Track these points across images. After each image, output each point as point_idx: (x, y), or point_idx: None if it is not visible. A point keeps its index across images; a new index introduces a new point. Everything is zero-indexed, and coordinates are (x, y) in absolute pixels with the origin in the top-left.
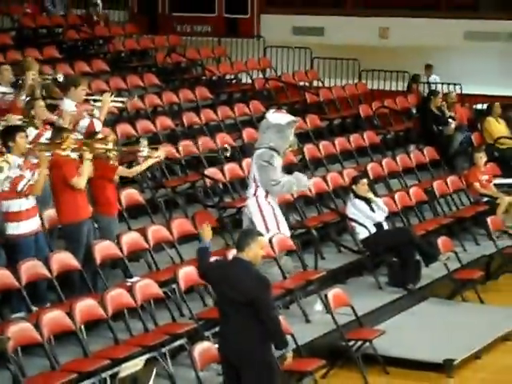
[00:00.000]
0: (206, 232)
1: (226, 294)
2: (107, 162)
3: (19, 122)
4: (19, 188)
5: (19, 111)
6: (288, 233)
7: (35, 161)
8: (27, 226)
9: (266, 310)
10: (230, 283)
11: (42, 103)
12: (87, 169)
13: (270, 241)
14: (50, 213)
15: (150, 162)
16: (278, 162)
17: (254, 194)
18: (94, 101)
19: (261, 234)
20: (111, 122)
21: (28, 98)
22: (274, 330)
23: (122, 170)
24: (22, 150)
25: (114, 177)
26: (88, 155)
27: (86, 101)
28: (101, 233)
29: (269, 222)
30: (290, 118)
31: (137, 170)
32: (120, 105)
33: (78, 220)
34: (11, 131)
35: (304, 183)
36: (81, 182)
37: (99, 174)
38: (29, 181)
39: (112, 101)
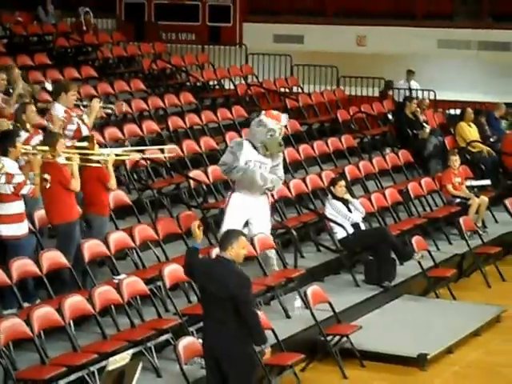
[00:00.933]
0: (198, 233)
1: (208, 289)
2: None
3: (10, 127)
4: (24, 192)
5: (9, 118)
6: (265, 230)
7: (22, 163)
8: (20, 228)
9: (245, 306)
10: (213, 280)
11: (33, 108)
12: (77, 173)
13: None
14: (41, 213)
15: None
16: (247, 151)
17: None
18: (84, 106)
19: (243, 234)
20: (99, 125)
21: (19, 103)
22: (253, 325)
23: (113, 185)
24: (18, 155)
25: (108, 180)
26: (77, 160)
27: (76, 106)
28: (93, 232)
29: (227, 218)
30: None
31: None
32: (109, 111)
33: (72, 220)
34: (10, 136)
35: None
36: (78, 184)
37: (95, 177)
38: (29, 183)
39: (101, 107)
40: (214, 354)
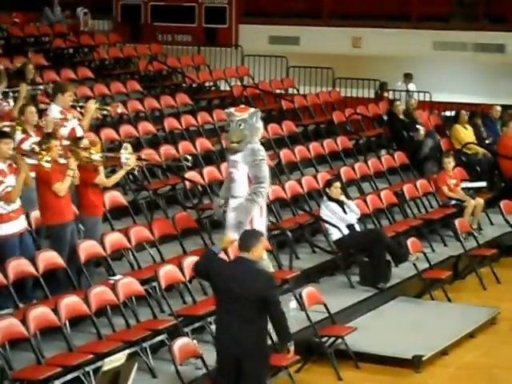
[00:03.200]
0: (225, 243)
1: (234, 291)
2: (90, 167)
3: (7, 129)
4: None
5: (8, 118)
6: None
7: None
8: (9, 227)
9: (275, 306)
10: (240, 282)
11: (32, 109)
12: (70, 177)
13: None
14: (37, 213)
15: (125, 170)
16: None
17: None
18: (81, 107)
19: (263, 234)
20: (95, 126)
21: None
22: (282, 324)
23: (101, 180)
24: (5, 156)
25: (96, 181)
26: (73, 163)
27: (73, 107)
28: (86, 234)
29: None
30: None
31: (114, 179)
32: (105, 112)
33: (63, 222)
34: None
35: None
36: (62, 187)
37: (82, 179)
38: (7, 187)
39: (97, 108)
40: (236, 353)
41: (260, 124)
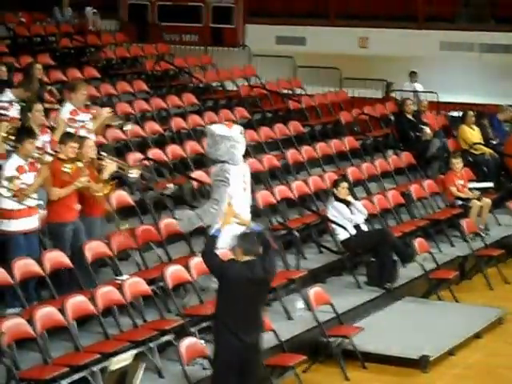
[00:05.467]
0: (229, 212)
1: (252, 294)
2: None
3: (11, 130)
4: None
5: (14, 121)
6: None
7: (39, 166)
8: (18, 224)
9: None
10: (256, 283)
11: (39, 107)
12: (74, 188)
13: None
14: (44, 213)
15: (109, 170)
16: None
17: None
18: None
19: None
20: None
21: (26, 103)
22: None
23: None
24: (27, 154)
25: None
26: (84, 179)
27: (86, 106)
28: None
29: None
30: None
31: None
32: (116, 124)
33: (61, 221)
34: (22, 134)
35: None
36: (59, 194)
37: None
38: (22, 184)
39: (109, 118)
40: (247, 354)
41: (243, 140)
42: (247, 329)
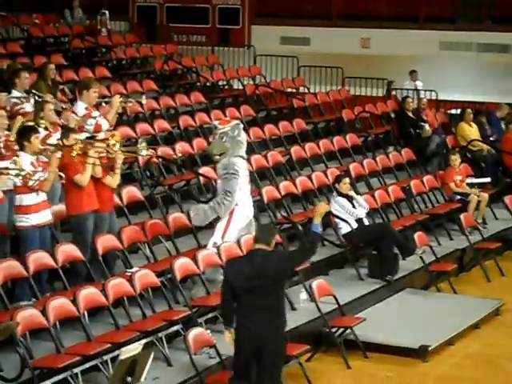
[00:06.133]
0: (319, 212)
1: (256, 285)
2: (108, 163)
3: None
4: (30, 184)
5: (29, 117)
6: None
7: (46, 159)
8: (36, 219)
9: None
10: (257, 271)
11: (51, 106)
12: (90, 167)
13: (219, 249)
14: (56, 207)
15: (120, 159)
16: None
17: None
18: (106, 102)
19: (276, 228)
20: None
21: (39, 100)
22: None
23: (107, 181)
24: (35, 150)
25: (103, 180)
26: (93, 154)
27: (98, 103)
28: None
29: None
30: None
31: (117, 178)
32: (130, 104)
33: (81, 212)
34: (27, 131)
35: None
36: (83, 179)
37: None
38: (40, 177)
39: (121, 101)
40: (261, 343)
41: (242, 136)
42: (260, 320)
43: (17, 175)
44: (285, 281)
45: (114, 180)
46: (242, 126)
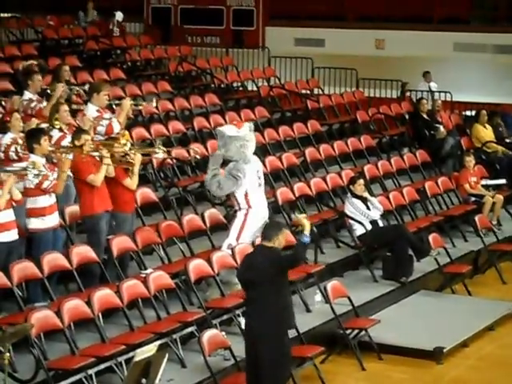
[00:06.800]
0: (300, 220)
1: (250, 279)
2: (123, 164)
3: (43, 126)
4: (44, 186)
5: (44, 119)
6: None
7: (54, 161)
8: (49, 221)
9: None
10: (255, 268)
11: (66, 108)
12: (105, 167)
13: (233, 250)
14: (71, 209)
15: (137, 164)
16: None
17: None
18: (116, 105)
19: (286, 226)
20: (127, 125)
21: (54, 102)
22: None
23: (127, 183)
24: (45, 152)
25: (123, 182)
26: (106, 154)
27: (109, 106)
28: (115, 229)
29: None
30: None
31: (136, 179)
32: (140, 107)
33: (94, 213)
34: (36, 134)
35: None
36: (97, 179)
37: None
38: (54, 179)
39: (131, 104)
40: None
41: (252, 137)
42: (249, 312)
43: (35, 176)
44: (270, 277)
45: (132, 181)
46: (253, 126)
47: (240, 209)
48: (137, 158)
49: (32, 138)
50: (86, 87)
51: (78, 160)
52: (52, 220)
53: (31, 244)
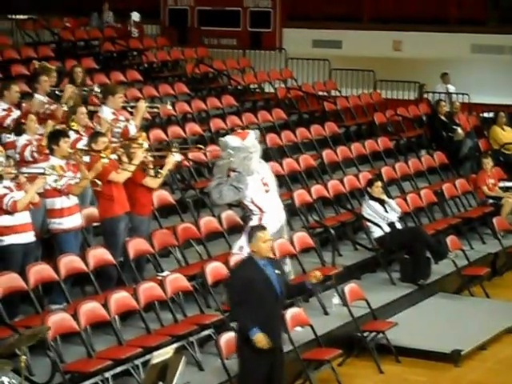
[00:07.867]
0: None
1: None
2: (140, 165)
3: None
4: (59, 186)
5: (58, 120)
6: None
7: (73, 163)
8: (69, 222)
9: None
10: None
11: (83, 110)
12: (127, 167)
13: None
14: (87, 211)
15: (169, 166)
16: None
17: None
18: (132, 107)
19: (264, 228)
20: (144, 127)
21: (71, 105)
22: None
23: (147, 182)
24: (64, 154)
25: (143, 182)
26: (124, 156)
27: (124, 108)
28: (132, 232)
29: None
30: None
31: (160, 180)
32: (155, 110)
33: (113, 216)
34: (57, 135)
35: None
36: (119, 177)
37: (131, 178)
38: (68, 180)
39: (147, 107)
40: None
41: (258, 148)
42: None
43: (55, 181)
44: None
45: (155, 181)
46: (258, 134)
47: (254, 214)
48: (171, 159)
49: (51, 139)
50: (96, 88)
51: (95, 162)
52: (72, 221)
53: (53, 246)
